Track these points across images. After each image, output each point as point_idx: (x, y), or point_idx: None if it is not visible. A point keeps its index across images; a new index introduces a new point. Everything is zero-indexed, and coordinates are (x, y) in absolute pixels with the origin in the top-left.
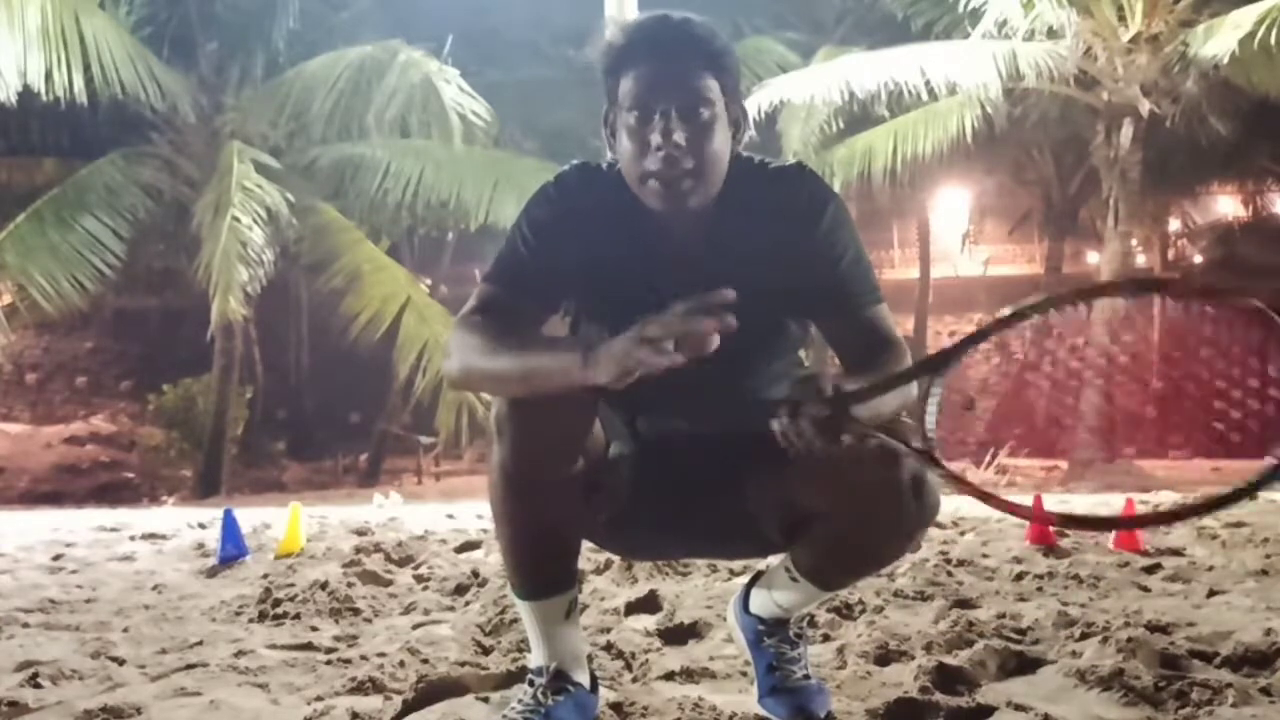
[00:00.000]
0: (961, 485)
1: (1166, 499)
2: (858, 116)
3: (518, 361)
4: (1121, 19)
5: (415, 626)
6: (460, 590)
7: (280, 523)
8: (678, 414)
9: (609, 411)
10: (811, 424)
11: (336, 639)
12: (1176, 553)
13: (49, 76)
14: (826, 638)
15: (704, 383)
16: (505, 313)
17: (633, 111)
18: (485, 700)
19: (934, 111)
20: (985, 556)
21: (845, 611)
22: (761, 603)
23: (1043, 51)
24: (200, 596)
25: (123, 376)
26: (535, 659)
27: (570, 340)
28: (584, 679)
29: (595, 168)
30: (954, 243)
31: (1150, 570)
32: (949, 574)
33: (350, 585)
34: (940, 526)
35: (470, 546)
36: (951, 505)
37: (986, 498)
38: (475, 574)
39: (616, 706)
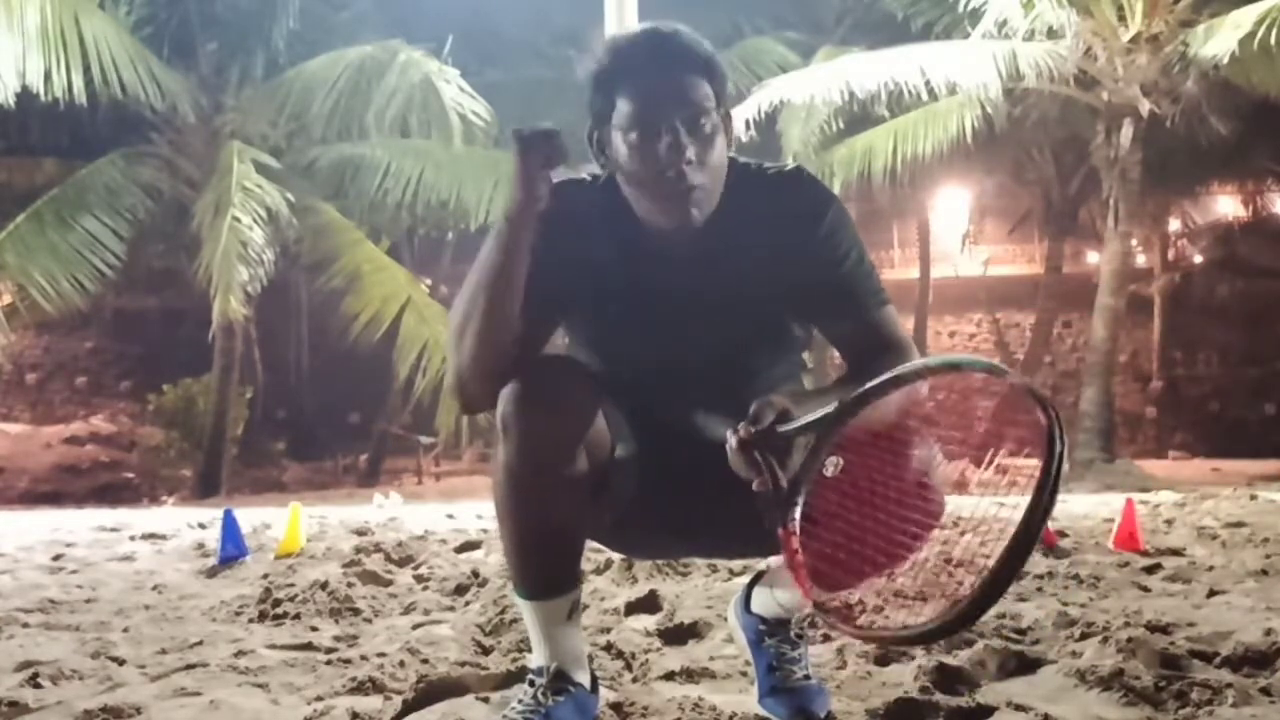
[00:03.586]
0: (792, 556)
1: (1166, 498)
2: (858, 116)
3: (473, 279)
4: (1121, 19)
5: (415, 626)
6: (460, 590)
7: (280, 523)
8: (682, 416)
9: (615, 413)
10: (736, 445)
11: (336, 639)
12: (1176, 553)
13: (48, 77)
14: (826, 638)
15: (708, 385)
16: None
17: (634, 130)
18: (485, 700)
19: (934, 111)
20: (985, 557)
21: (845, 611)
22: (763, 602)
23: (1043, 51)
24: (200, 596)
25: (123, 376)
26: (536, 659)
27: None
28: (584, 679)
29: (580, 182)
30: (954, 243)
31: (1150, 570)
32: (949, 574)
33: (350, 585)
34: (940, 526)
35: (470, 546)
36: (951, 505)
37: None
38: (475, 574)
39: (616, 706)
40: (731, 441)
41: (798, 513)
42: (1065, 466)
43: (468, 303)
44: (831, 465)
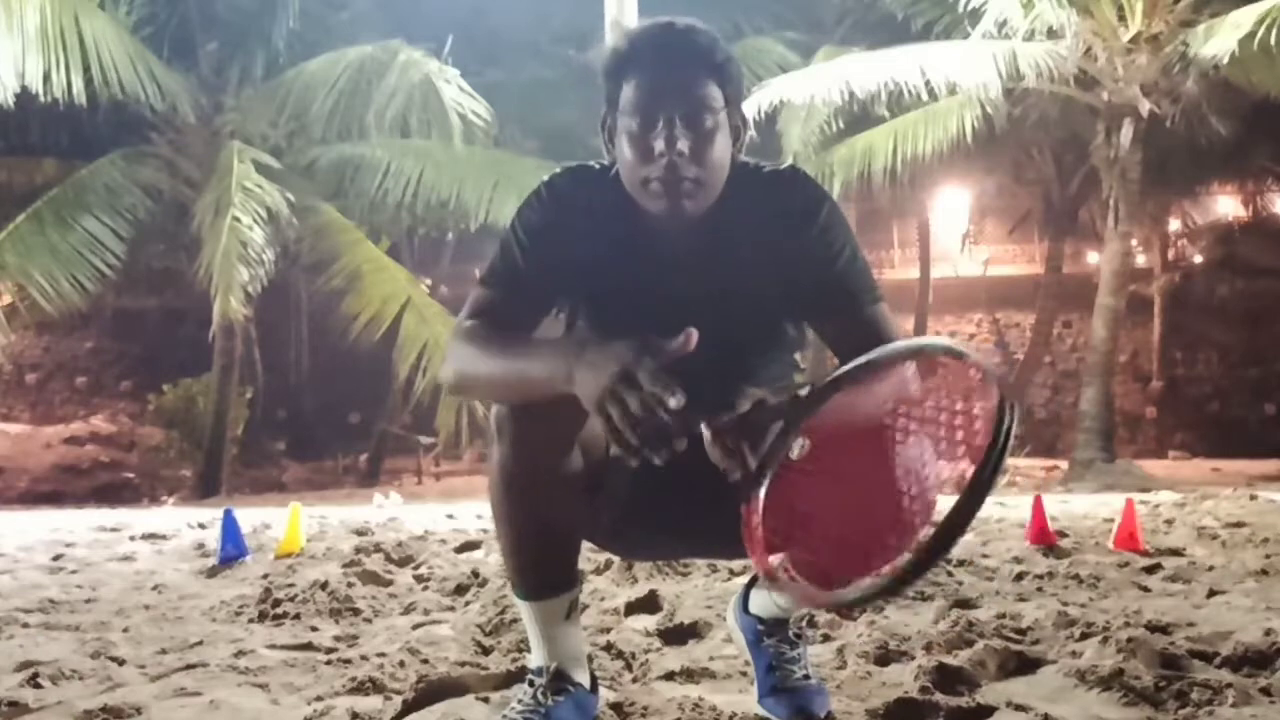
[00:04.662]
0: (750, 532)
1: (1166, 498)
2: (858, 116)
3: (508, 366)
4: (1121, 19)
5: (415, 626)
6: (460, 590)
7: (280, 523)
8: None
9: None
10: (710, 434)
11: (336, 639)
12: (1176, 553)
13: (48, 77)
14: (826, 638)
15: (702, 384)
16: (500, 317)
17: (634, 118)
18: (485, 700)
19: (934, 111)
20: (985, 556)
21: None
22: (761, 603)
23: (1043, 51)
24: (200, 596)
25: (123, 376)
26: (535, 659)
27: (560, 345)
28: (584, 679)
29: (589, 170)
30: (954, 243)
31: (1150, 570)
32: (949, 574)
33: (350, 585)
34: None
35: (470, 546)
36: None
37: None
38: (475, 574)
39: (616, 706)
40: (706, 433)
41: (762, 492)
42: (1011, 440)
43: (485, 373)
44: (797, 448)
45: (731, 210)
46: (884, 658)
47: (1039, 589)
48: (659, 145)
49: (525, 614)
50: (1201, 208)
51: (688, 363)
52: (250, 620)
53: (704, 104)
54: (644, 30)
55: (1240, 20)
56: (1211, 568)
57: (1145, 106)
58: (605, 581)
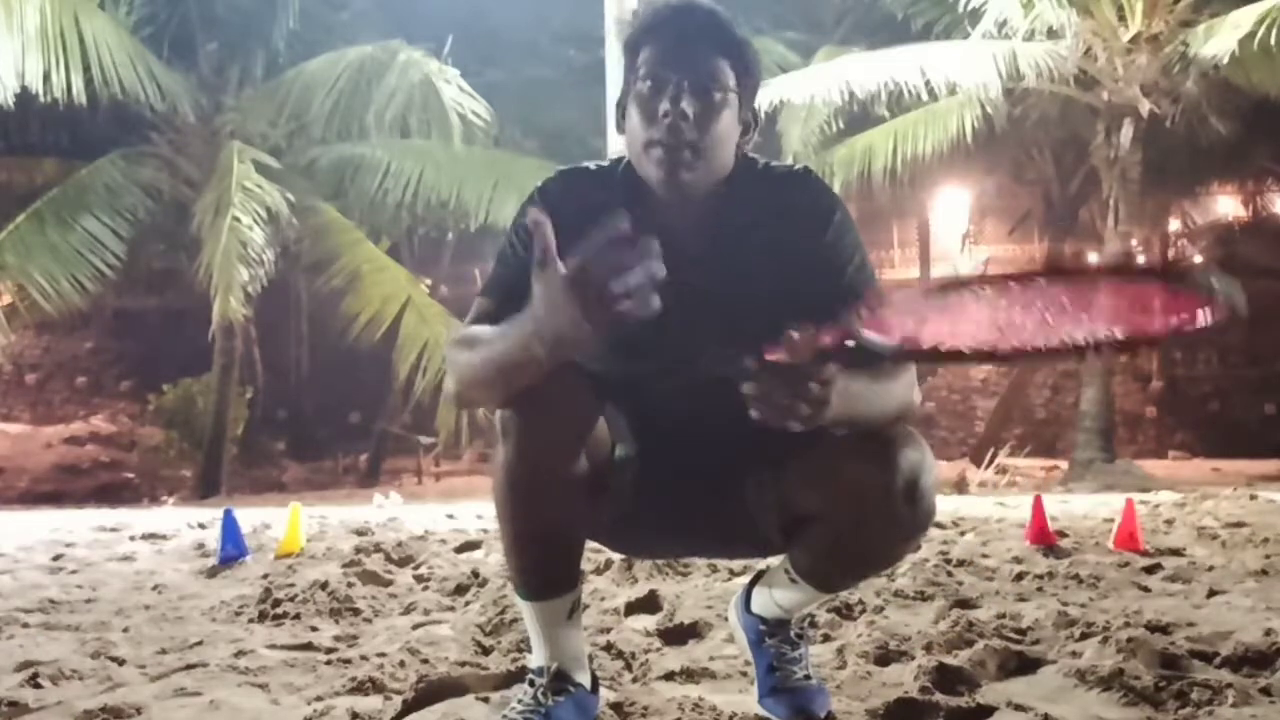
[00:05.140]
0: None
1: (1166, 498)
2: (858, 116)
3: (488, 356)
4: (1121, 19)
5: (415, 626)
6: (460, 590)
7: (280, 523)
8: (679, 416)
9: (613, 413)
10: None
11: (336, 639)
12: (1176, 553)
13: (48, 77)
14: (826, 638)
15: (707, 384)
16: (496, 323)
17: (646, 81)
18: (485, 700)
19: (934, 111)
20: (985, 556)
21: (845, 611)
22: (763, 603)
23: (1043, 51)
24: (200, 596)
25: (123, 376)
26: (536, 659)
27: (519, 317)
28: (584, 679)
29: (583, 171)
30: (954, 243)
31: (1150, 570)
32: (949, 574)
33: (350, 585)
34: (940, 526)
35: (470, 546)
36: (951, 505)
37: None
38: (475, 574)
39: (616, 706)
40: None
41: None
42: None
43: (480, 373)
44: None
45: (738, 206)
46: (884, 658)
47: (1039, 589)
48: (664, 105)
49: (527, 614)
50: (1201, 208)
51: (689, 360)
52: (250, 620)
53: (713, 75)
54: (667, 3)
55: (1240, 20)
56: (1211, 568)
57: (1145, 106)
58: (605, 581)
